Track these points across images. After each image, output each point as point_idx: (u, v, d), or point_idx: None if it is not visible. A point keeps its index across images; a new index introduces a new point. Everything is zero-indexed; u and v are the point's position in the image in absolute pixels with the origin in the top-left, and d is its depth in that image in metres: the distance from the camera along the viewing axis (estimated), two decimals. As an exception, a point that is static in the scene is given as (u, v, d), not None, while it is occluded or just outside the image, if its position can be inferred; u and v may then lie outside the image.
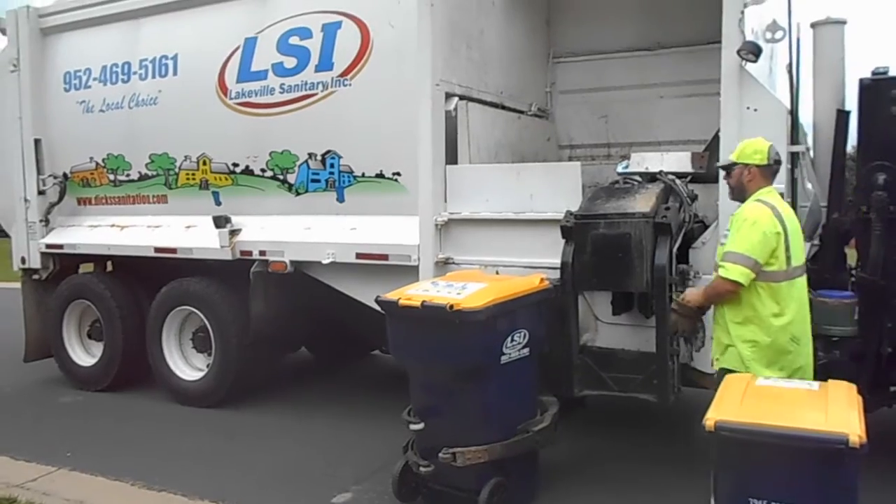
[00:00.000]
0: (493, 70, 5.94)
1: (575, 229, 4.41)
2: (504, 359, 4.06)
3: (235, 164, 6.18)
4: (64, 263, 7.43)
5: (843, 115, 4.82)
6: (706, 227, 4.57)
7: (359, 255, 5.52)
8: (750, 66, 4.29)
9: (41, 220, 7.28)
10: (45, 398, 7.04)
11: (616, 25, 6.49)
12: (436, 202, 5.22)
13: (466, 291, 4.06)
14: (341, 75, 5.55)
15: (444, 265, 5.20)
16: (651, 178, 4.75)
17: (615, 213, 4.37)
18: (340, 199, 5.73)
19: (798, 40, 4.80)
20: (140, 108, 6.64)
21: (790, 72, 4.81)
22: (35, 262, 7.37)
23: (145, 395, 6.84)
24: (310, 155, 5.79)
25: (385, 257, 5.41)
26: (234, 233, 6.07)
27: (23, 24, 7.20)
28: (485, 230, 5.14)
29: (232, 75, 6.06)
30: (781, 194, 3.94)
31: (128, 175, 6.85)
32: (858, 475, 2.73)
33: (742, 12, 4.29)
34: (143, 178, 6.76)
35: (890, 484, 4.14)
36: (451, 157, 5.30)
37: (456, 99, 5.33)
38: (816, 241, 4.81)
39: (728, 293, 3.57)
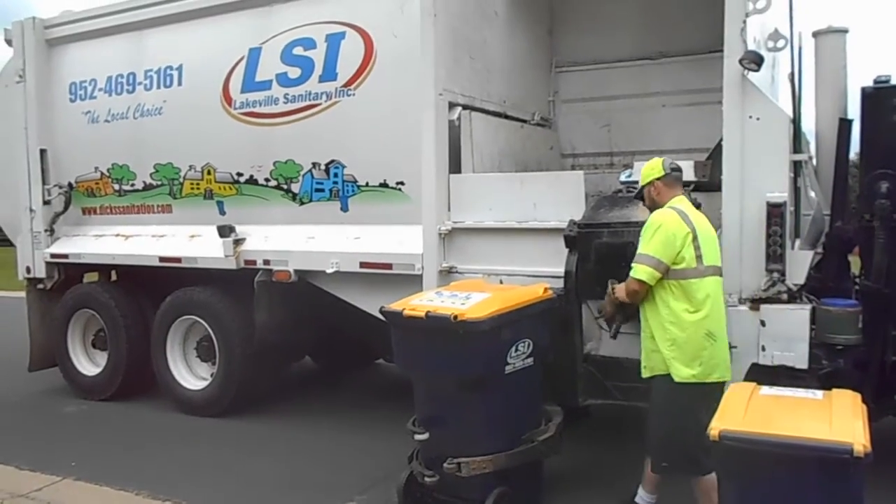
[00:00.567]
0: (496, 79, 5.96)
1: (578, 238, 4.42)
2: (508, 369, 4.06)
3: (240, 174, 6.20)
4: (69, 273, 7.45)
5: (845, 124, 4.83)
6: (709, 235, 4.57)
7: (363, 265, 5.53)
8: (752, 75, 4.30)
9: (46, 230, 7.32)
10: (49, 408, 7.06)
11: (618, 35, 6.51)
12: (439, 211, 5.23)
13: (470, 301, 4.07)
14: (345, 85, 5.57)
15: (447, 274, 5.21)
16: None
17: (618, 222, 4.38)
18: (344, 208, 5.75)
19: (800, 49, 4.82)
20: (145, 118, 6.68)
21: (792, 81, 4.83)
22: (40, 272, 7.40)
23: (149, 404, 6.85)
24: (314, 164, 5.81)
25: (389, 266, 5.42)
26: (238, 242, 6.09)
27: (29, 35, 7.26)
28: (488, 239, 5.15)
29: (236, 85, 6.09)
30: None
31: (132, 185, 6.89)
32: (863, 485, 2.72)
33: (744, 21, 4.30)
34: (147, 187, 6.79)
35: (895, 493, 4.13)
36: (455, 167, 5.31)
37: (459, 108, 5.35)
38: (820, 250, 4.82)
39: (635, 293, 3.86)
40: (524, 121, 6.33)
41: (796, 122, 4.66)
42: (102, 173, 7.05)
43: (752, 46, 4.32)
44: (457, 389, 4.10)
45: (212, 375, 6.53)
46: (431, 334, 4.05)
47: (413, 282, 5.18)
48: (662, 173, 4.00)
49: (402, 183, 5.45)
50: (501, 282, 4.96)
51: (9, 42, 7.47)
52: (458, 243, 5.25)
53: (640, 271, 3.80)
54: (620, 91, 6.56)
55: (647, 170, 4.08)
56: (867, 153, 4.62)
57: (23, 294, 7.97)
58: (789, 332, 4.20)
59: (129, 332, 6.93)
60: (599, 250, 4.32)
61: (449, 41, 5.31)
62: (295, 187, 5.94)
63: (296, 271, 5.85)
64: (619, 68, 6.56)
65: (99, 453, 5.68)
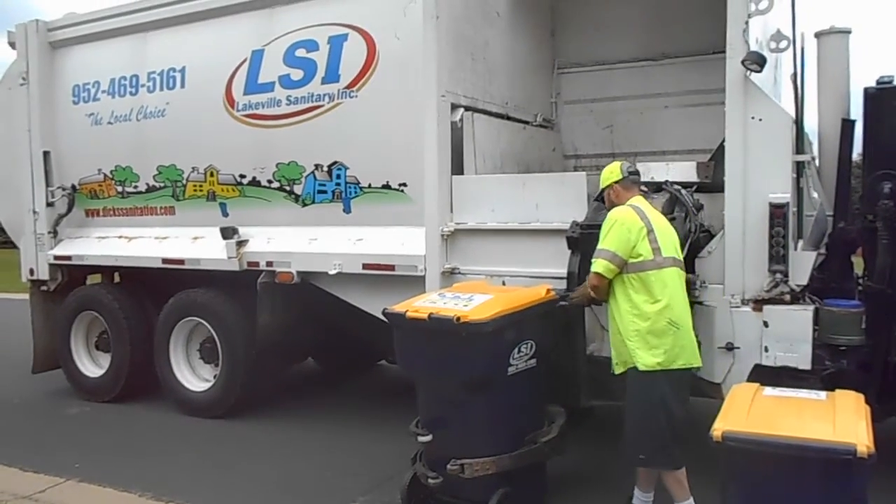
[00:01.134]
0: (499, 81, 5.96)
1: (581, 239, 4.42)
2: (511, 370, 4.07)
3: (242, 176, 6.21)
4: (72, 275, 7.47)
5: (848, 125, 4.82)
6: (712, 236, 4.57)
7: (365, 266, 5.54)
8: (754, 76, 4.31)
9: (49, 232, 7.34)
10: (53, 409, 7.07)
11: (620, 36, 6.51)
12: (442, 212, 5.24)
13: (473, 303, 4.07)
14: (347, 87, 5.58)
15: (450, 275, 5.21)
16: (656, 187, 4.75)
17: (620, 224, 4.36)
18: (347, 209, 5.76)
19: (802, 50, 4.82)
20: (148, 120, 6.69)
21: (795, 81, 4.82)
22: (43, 274, 7.42)
23: (153, 405, 6.86)
24: (316, 166, 5.82)
25: (391, 268, 5.43)
26: (241, 244, 6.10)
27: (32, 38, 7.28)
28: (491, 240, 5.16)
29: (239, 87, 6.10)
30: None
31: (135, 187, 6.90)
32: (867, 485, 2.72)
33: (746, 22, 4.30)
34: (150, 189, 6.81)
35: (899, 494, 4.12)
36: (457, 168, 5.31)
37: (461, 110, 5.35)
38: (823, 251, 4.81)
39: (595, 286, 4.01)
40: (526, 122, 6.34)
41: (799, 122, 4.65)
42: (105, 175, 7.07)
43: (754, 47, 4.32)
44: (460, 391, 4.10)
45: (215, 377, 6.54)
46: (434, 336, 4.05)
47: (415, 283, 5.18)
48: (621, 177, 4.16)
49: (404, 184, 5.45)
50: (504, 283, 4.96)
51: (12, 45, 7.50)
52: (461, 245, 5.25)
53: (597, 265, 3.95)
54: (623, 92, 6.56)
55: (607, 173, 4.23)
56: (870, 154, 4.61)
57: (26, 296, 7.99)
58: (792, 332, 4.20)
59: (133, 334, 6.94)
60: (601, 251, 4.31)
61: (451, 43, 5.31)
62: (297, 189, 5.95)
63: (298, 273, 5.86)
64: (621, 69, 6.56)
65: (102, 455, 5.69)
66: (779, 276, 4.25)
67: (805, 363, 4.17)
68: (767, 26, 4.63)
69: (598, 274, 3.94)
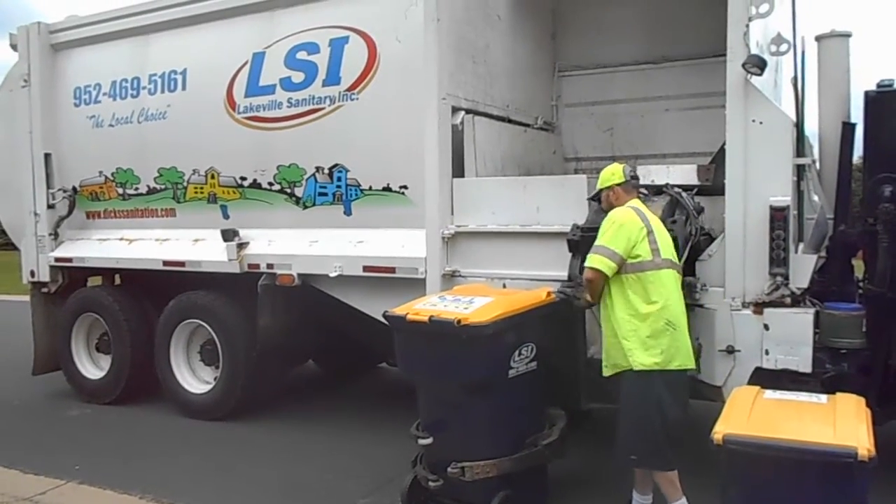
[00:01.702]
0: (499, 84, 5.97)
1: (581, 242, 4.41)
2: (512, 373, 4.07)
3: (243, 178, 6.22)
4: (73, 277, 7.48)
5: (848, 128, 4.83)
6: (713, 239, 4.58)
7: (366, 268, 5.54)
8: (755, 79, 4.31)
9: (50, 234, 7.35)
10: (53, 411, 7.07)
11: (621, 39, 6.52)
12: (442, 215, 5.24)
13: (474, 306, 4.08)
14: (348, 90, 5.59)
15: (450, 278, 5.21)
16: (657, 190, 4.75)
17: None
18: (348, 212, 5.76)
19: (803, 53, 4.82)
20: (149, 122, 6.70)
21: (795, 85, 4.83)
22: (44, 276, 7.42)
23: (153, 408, 6.86)
24: (317, 168, 5.82)
25: (392, 270, 5.43)
26: (241, 246, 6.11)
27: (34, 40, 7.29)
28: (491, 243, 5.16)
29: (240, 90, 6.11)
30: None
31: (136, 189, 6.91)
32: (868, 489, 2.72)
33: (747, 25, 4.30)
34: (151, 191, 6.81)
35: (900, 497, 4.11)
36: (458, 171, 5.32)
37: (462, 112, 5.36)
38: (823, 254, 4.81)
39: (589, 282, 3.99)
40: (527, 125, 6.34)
41: (799, 125, 4.66)
42: (106, 177, 7.07)
43: (754, 50, 4.32)
44: (460, 393, 4.11)
45: (215, 379, 6.54)
46: (435, 339, 4.05)
47: (416, 285, 5.18)
48: (623, 180, 4.17)
49: (405, 187, 5.46)
50: (504, 286, 4.96)
51: (14, 47, 7.50)
52: (462, 247, 5.25)
53: (594, 260, 3.92)
54: (623, 95, 6.57)
55: (608, 175, 4.23)
56: (870, 157, 4.61)
57: (27, 298, 8.00)
58: (793, 335, 4.20)
59: (133, 336, 6.94)
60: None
61: (452, 45, 5.32)
62: (298, 191, 5.96)
63: (299, 275, 5.87)
64: (622, 72, 6.57)
65: (102, 457, 5.69)
66: (779, 279, 4.25)
67: (806, 366, 4.18)
68: (768, 29, 4.64)
69: (594, 269, 3.92)
